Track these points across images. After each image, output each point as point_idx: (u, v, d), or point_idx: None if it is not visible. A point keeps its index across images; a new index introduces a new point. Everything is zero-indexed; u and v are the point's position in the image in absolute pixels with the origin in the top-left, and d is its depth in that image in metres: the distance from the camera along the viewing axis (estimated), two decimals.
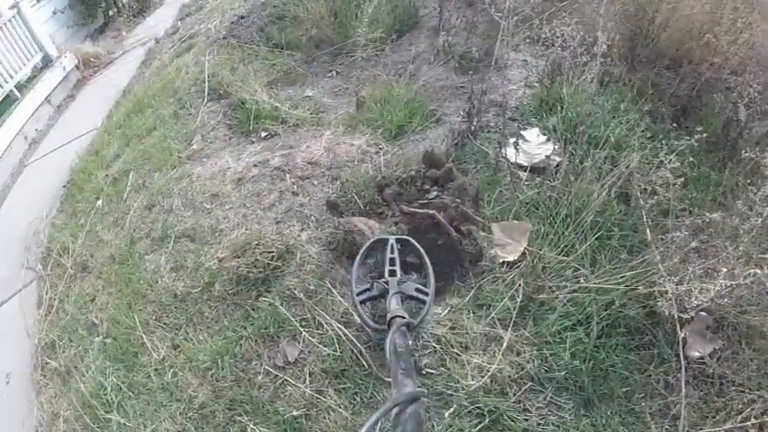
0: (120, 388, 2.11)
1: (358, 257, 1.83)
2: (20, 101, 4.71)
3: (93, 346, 2.35)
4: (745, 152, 1.96)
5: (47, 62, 5.31)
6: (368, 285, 1.71)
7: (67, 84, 5.32)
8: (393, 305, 1.52)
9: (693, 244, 1.72)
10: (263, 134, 2.92)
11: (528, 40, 2.97)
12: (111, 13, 6.55)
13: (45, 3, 5.66)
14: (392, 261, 1.77)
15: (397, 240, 1.86)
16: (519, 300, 1.82)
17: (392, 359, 1.14)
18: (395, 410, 0.88)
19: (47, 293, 2.79)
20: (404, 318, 1.38)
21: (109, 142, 3.68)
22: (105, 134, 3.87)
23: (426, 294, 1.66)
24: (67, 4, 6.03)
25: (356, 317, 1.72)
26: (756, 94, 2.26)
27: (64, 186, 3.62)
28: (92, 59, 5.57)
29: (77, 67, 5.48)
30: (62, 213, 3.36)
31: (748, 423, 1.50)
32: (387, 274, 1.72)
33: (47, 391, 2.34)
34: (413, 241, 1.86)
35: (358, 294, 1.67)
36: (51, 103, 5.04)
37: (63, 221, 3.25)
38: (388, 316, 1.43)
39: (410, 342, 1.23)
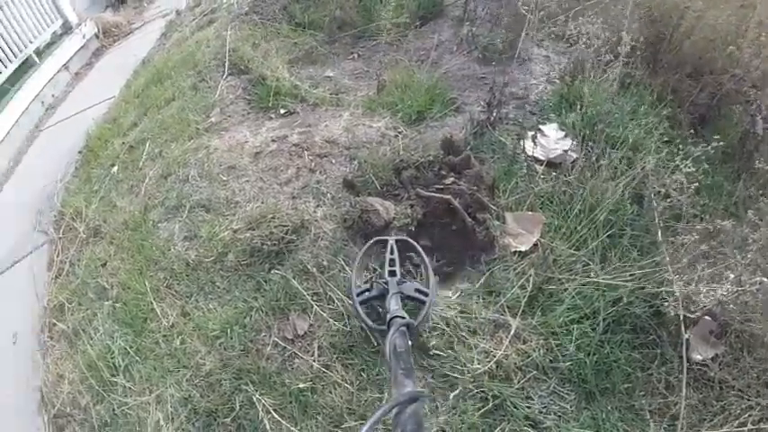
0: (128, 352, 2.14)
1: (357, 258, 1.83)
2: (38, 66, 4.71)
3: (102, 310, 2.37)
4: (759, 163, 1.97)
5: (67, 29, 5.28)
6: (368, 286, 1.70)
7: (86, 52, 5.31)
8: (393, 305, 1.50)
9: (703, 247, 1.72)
10: (282, 111, 2.92)
11: (552, 36, 2.95)
12: None
13: None
14: (392, 261, 1.76)
15: (397, 241, 1.85)
16: (529, 289, 1.83)
17: (392, 359, 1.13)
18: (394, 411, 0.88)
19: (58, 256, 2.81)
20: (403, 318, 1.37)
21: (126, 111, 3.69)
22: (123, 103, 3.87)
23: (426, 295, 1.65)
24: None
25: (356, 317, 1.72)
26: None
27: (79, 152, 3.62)
28: (112, 29, 5.55)
29: (97, 36, 5.46)
30: (76, 179, 3.37)
31: (745, 429, 1.52)
32: (386, 274, 1.71)
33: (53, 352, 2.37)
34: (412, 242, 1.86)
35: (358, 295, 1.66)
36: (69, 70, 5.04)
37: (77, 186, 3.26)
38: (388, 316, 1.42)
39: (410, 342, 1.24)
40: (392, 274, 1.69)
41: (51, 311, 2.54)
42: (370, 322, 1.59)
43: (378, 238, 1.89)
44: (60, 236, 2.95)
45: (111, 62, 5.06)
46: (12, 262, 3.02)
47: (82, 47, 5.25)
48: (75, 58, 5.15)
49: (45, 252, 2.96)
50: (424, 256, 1.81)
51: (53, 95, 4.73)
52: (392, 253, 1.77)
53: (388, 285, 1.61)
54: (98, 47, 5.43)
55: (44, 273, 2.81)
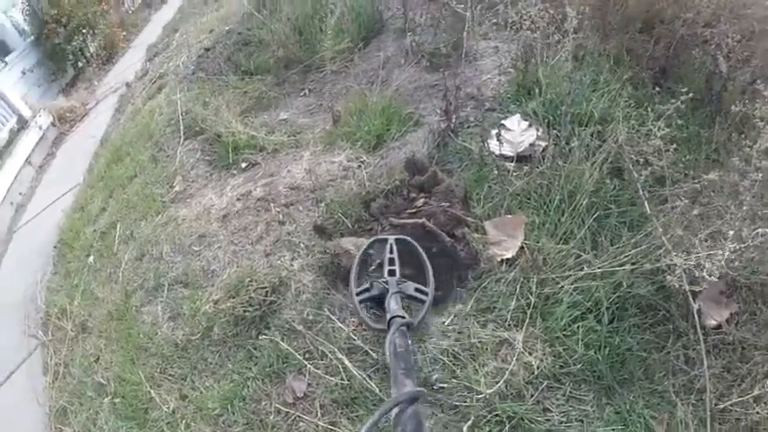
0: None
1: (357, 257, 1.79)
2: (0, 167, 4.68)
3: (103, 408, 2.30)
4: (735, 106, 1.90)
5: (22, 124, 5.26)
6: (367, 285, 1.68)
7: (46, 142, 5.27)
8: (393, 305, 1.46)
9: (695, 212, 1.66)
10: (243, 165, 2.87)
11: (496, 27, 2.90)
12: (80, 64, 6.46)
13: (13, 65, 5.63)
14: (391, 261, 1.73)
15: (396, 240, 1.82)
16: (523, 297, 1.76)
17: (392, 359, 1.11)
18: (395, 411, 0.86)
19: (51, 359, 2.74)
20: (404, 318, 1.36)
21: (93, 196, 3.64)
22: (88, 188, 3.82)
23: (426, 294, 1.63)
24: (35, 62, 5.99)
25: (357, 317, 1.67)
26: (734, 43, 2.21)
27: (54, 247, 3.56)
28: (67, 114, 5.51)
29: (53, 124, 5.43)
30: (56, 275, 3.30)
31: None
32: (386, 273, 1.69)
33: None
34: (411, 241, 1.82)
35: (357, 294, 1.64)
36: (32, 164, 4.99)
37: (58, 284, 3.19)
38: (388, 316, 1.39)
39: (410, 342, 1.20)
40: (392, 273, 1.66)
41: (55, 417, 2.47)
42: (370, 322, 1.56)
43: (377, 237, 1.84)
44: (50, 337, 2.88)
45: (72, 148, 5.01)
46: (8, 373, 2.94)
47: (40, 138, 5.21)
48: (36, 150, 5.10)
49: (38, 356, 2.89)
50: (423, 254, 1.76)
51: (20, 193, 4.67)
52: (391, 252, 1.74)
53: (387, 285, 1.58)
54: (57, 135, 5.40)
55: (41, 378, 2.74)
